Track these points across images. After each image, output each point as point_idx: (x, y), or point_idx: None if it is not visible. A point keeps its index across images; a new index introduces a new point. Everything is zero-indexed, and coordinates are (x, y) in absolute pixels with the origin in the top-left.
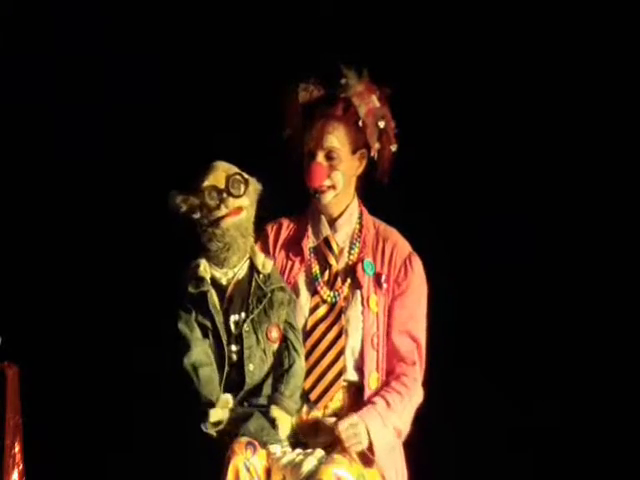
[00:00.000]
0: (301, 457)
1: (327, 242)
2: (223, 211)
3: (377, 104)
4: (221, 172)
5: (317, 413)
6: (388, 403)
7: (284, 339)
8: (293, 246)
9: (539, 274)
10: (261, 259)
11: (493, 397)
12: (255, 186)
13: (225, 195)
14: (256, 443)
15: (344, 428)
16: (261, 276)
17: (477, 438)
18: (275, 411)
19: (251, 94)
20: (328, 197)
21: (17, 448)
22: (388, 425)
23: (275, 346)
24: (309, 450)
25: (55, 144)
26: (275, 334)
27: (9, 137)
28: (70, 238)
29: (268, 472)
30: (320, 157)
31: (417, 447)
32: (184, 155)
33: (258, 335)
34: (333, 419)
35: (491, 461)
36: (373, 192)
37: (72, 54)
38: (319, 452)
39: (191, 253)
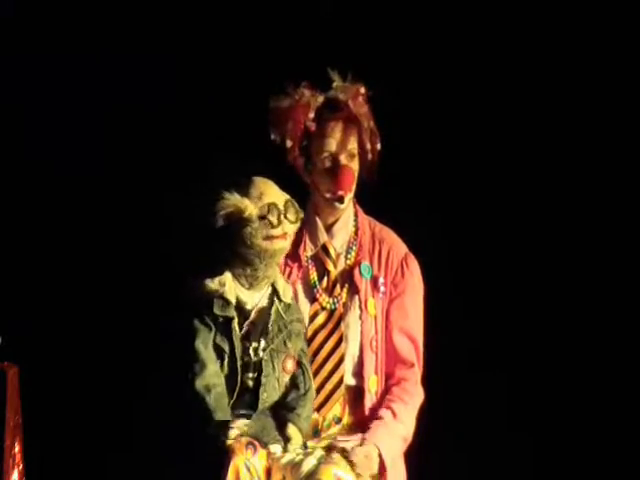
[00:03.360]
0: (301, 457)
1: (325, 248)
2: (278, 231)
3: (365, 105)
4: (278, 193)
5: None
6: (394, 414)
7: (299, 364)
8: (290, 252)
9: (539, 273)
10: (282, 285)
11: (494, 398)
12: (301, 216)
13: (282, 217)
14: (256, 443)
15: (359, 459)
16: (282, 304)
17: (478, 439)
18: (291, 429)
19: (240, 97)
20: (347, 201)
21: (17, 448)
22: (396, 436)
23: (287, 377)
24: (309, 450)
25: (55, 144)
26: (290, 366)
27: (9, 137)
28: (70, 238)
29: (268, 472)
30: (344, 160)
31: (417, 447)
32: (181, 157)
33: (274, 364)
34: (347, 442)
35: (492, 462)
36: (368, 191)
37: (72, 54)
38: (319, 452)
39: (190, 253)
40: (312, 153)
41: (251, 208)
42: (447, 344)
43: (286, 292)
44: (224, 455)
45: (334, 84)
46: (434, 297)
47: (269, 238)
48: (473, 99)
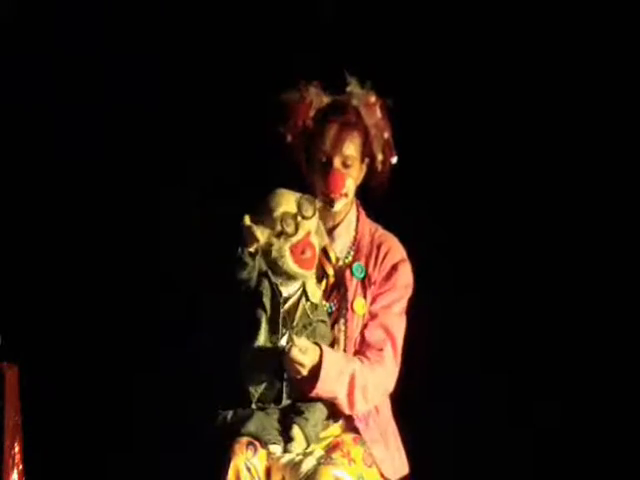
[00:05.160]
0: (300, 457)
1: (325, 251)
2: (300, 235)
3: (379, 115)
4: (288, 198)
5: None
6: (349, 357)
7: None
8: None
9: (540, 275)
10: (312, 286)
11: (494, 399)
12: (318, 205)
13: (299, 219)
14: (257, 443)
15: (294, 354)
16: (309, 303)
17: (477, 439)
18: (296, 432)
19: (248, 96)
20: (339, 205)
21: (17, 448)
22: (347, 368)
23: None
24: (309, 450)
25: (55, 144)
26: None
27: (9, 137)
28: (70, 238)
29: (269, 472)
30: (337, 164)
31: (417, 447)
32: (183, 157)
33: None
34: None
35: (491, 462)
36: (371, 196)
37: (72, 54)
38: (318, 452)
39: (191, 252)
40: (311, 152)
41: (265, 233)
42: (448, 345)
43: (315, 293)
44: (224, 455)
45: (348, 88)
46: (435, 297)
47: (296, 250)
48: (479, 105)
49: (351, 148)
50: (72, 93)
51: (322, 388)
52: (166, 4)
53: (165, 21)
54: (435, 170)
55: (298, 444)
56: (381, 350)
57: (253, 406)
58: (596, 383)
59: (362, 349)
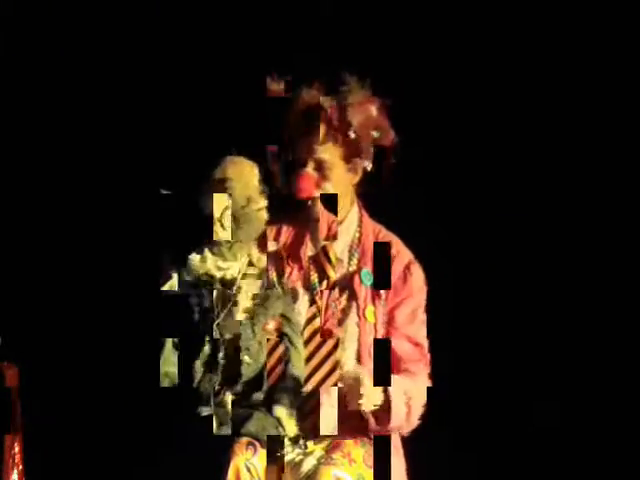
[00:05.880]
0: (301, 457)
1: (325, 252)
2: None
3: (374, 114)
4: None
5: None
6: (396, 378)
7: (281, 334)
8: (292, 252)
9: (540, 274)
10: (256, 255)
11: (494, 399)
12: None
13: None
14: (257, 443)
15: (346, 383)
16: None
17: (477, 439)
18: (278, 410)
19: (249, 95)
20: (317, 207)
21: (17, 448)
22: (402, 385)
23: (272, 338)
24: (309, 450)
25: (55, 144)
26: (271, 325)
27: (8, 137)
28: (70, 238)
29: None
30: (309, 167)
31: (415, 446)
32: (180, 155)
33: (254, 328)
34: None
35: (491, 462)
36: (374, 195)
37: (72, 54)
38: (319, 452)
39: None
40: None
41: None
42: (448, 345)
43: (260, 259)
44: (224, 455)
45: (343, 87)
46: (437, 298)
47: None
48: (479, 104)
49: (323, 151)
50: (69, 91)
51: (395, 423)
52: (165, 3)
53: (164, 20)
54: (435, 169)
55: (287, 422)
56: (414, 362)
57: (227, 399)
58: (596, 383)
59: (397, 364)
